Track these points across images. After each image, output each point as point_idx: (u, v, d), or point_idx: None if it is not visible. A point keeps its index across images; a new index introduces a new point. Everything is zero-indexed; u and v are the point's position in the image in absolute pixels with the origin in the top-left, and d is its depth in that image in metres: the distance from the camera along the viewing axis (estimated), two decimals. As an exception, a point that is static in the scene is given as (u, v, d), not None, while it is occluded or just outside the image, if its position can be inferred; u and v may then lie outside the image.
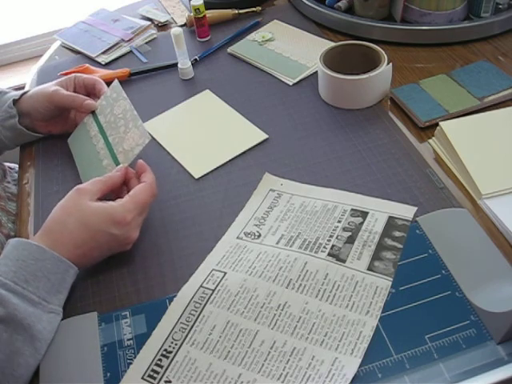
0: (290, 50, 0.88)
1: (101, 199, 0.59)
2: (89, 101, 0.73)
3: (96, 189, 0.59)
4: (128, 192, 0.60)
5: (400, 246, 0.57)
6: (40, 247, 0.54)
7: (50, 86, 0.75)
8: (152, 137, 0.76)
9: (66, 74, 0.89)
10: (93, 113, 0.74)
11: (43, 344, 0.51)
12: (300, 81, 0.83)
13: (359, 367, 0.48)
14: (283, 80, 0.83)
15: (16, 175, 0.84)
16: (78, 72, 0.88)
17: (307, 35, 0.91)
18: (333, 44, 0.80)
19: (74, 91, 0.76)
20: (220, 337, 0.51)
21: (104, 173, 0.65)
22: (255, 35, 0.93)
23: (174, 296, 0.55)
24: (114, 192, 0.62)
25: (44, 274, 0.53)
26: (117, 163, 0.66)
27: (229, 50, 0.91)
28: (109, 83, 0.86)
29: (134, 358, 0.51)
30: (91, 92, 0.77)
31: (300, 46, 0.89)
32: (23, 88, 0.94)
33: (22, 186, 0.75)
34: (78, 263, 0.56)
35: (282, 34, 0.93)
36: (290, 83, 0.82)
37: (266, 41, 0.90)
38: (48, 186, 0.72)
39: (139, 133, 0.66)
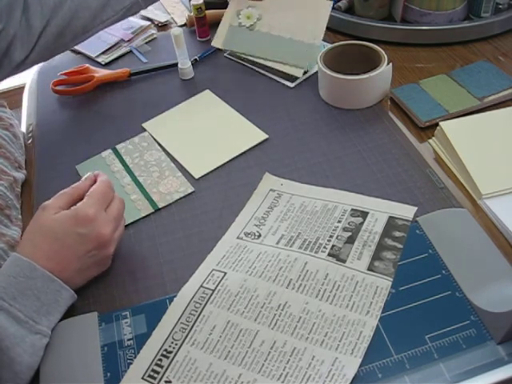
0: (287, 25, 0.77)
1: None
2: None
3: (62, 202, 0.57)
4: None
5: (400, 246, 0.57)
6: (31, 264, 0.52)
7: None
8: (152, 137, 0.77)
9: (67, 74, 0.89)
10: (114, 150, 0.74)
11: (24, 368, 0.49)
12: (300, 81, 0.83)
13: (359, 367, 0.48)
14: (292, 73, 0.82)
15: None
16: (78, 72, 0.89)
17: None
18: (333, 44, 0.80)
19: None
20: (220, 337, 0.51)
21: (133, 206, 0.66)
22: (240, 17, 0.83)
23: (174, 296, 0.55)
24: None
25: (33, 293, 0.51)
26: (150, 201, 0.67)
27: (225, 54, 0.90)
28: (109, 83, 0.87)
29: (134, 357, 0.51)
30: None
31: (294, 13, 0.78)
32: (23, 88, 0.94)
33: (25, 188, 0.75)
34: (64, 280, 0.53)
35: (268, 2, 0.82)
36: (300, 74, 0.82)
37: (255, 22, 0.80)
38: (48, 186, 0.72)
39: (179, 182, 0.68)
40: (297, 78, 0.82)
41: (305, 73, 0.84)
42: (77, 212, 0.55)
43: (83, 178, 0.61)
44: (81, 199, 0.58)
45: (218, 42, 0.87)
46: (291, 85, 0.82)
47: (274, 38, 0.81)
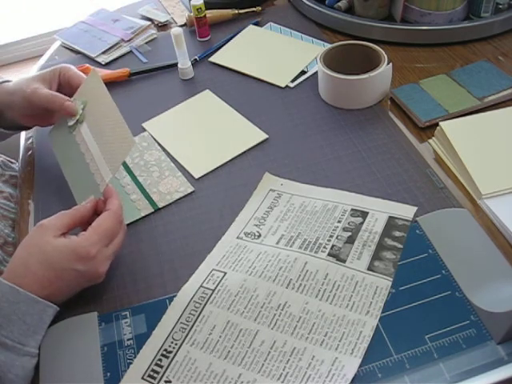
0: (95, 146, 0.63)
1: (66, 234, 0.54)
2: (69, 103, 0.67)
3: (61, 223, 0.54)
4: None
5: (400, 245, 0.57)
6: (13, 288, 0.50)
7: (31, 82, 0.69)
8: (152, 137, 0.77)
9: (66, 74, 0.89)
10: None
11: None
12: (300, 81, 0.83)
13: (359, 367, 0.48)
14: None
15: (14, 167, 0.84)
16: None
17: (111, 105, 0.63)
18: (333, 44, 0.80)
19: (59, 88, 0.71)
20: (220, 337, 0.51)
21: (133, 206, 0.66)
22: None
23: (174, 296, 0.55)
24: (84, 226, 0.56)
25: (19, 317, 0.49)
26: (150, 201, 0.67)
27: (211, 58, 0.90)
28: (109, 83, 0.87)
29: (134, 357, 0.51)
30: (75, 90, 0.70)
31: (106, 135, 0.63)
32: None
33: (23, 187, 0.75)
34: (49, 300, 0.52)
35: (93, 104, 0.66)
36: (283, 84, 0.82)
37: (76, 123, 0.67)
38: (47, 186, 0.72)
39: (179, 182, 0.68)
40: (283, 87, 0.82)
41: (304, 73, 0.84)
42: (78, 248, 0.52)
43: (84, 202, 0.58)
44: (82, 222, 0.56)
45: (52, 134, 0.72)
46: (291, 85, 0.82)
47: (79, 154, 0.65)
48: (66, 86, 0.71)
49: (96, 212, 0.58)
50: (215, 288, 0.55)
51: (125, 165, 0.72)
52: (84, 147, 0.65)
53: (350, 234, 0.59)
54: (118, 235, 0.56)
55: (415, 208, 0.61)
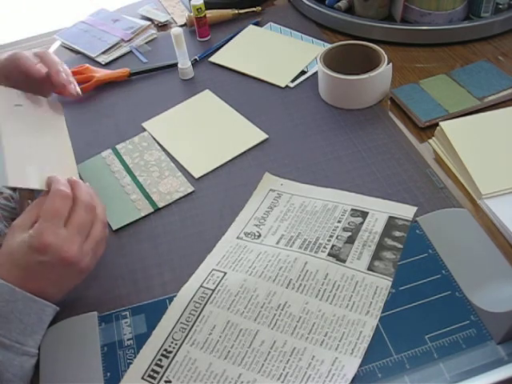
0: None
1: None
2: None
3: (29, 220, 0.52)
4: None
5: (400, 245, 0.57)
6: (10, 287, 0.49)
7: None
8: (152, 136, 0.77)
9: (66, 73, 0.89)
10: (114, 150, 0.74)
11: None
12: (300, 81, 0.83)
13: (359, 367, 0.48)
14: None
15: None
16: (78, 72, 0.89)
17: None
18: (333, 44, 0.80)
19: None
20: (220, 337, 0.51)
21: (133, 206, 0.66)
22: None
23: (174, 296, 0.55)
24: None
25: (16, 316, 0.49)
26: (150, 201, 0.67)
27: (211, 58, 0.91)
28: (109, 83, 0.87)
29: (134, 357, 0.51)
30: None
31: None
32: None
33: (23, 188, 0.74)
34: (44, 298, 0.52)
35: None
36: (284, 84, 0.82)
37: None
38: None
39: (179, 182, 0.68)
40: (283, 87, 0.83)
41: (304, 73, 0.84)
42: (31, 241, 0.50)
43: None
44: None
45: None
46: (291, 85, 0.82)
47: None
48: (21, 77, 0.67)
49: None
50: (215, 288, 0.55)
51: (125, 165, 0.72)
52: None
53: (350, 233, 0.59)
54: (75, 211, 0.53)
55: (415, 208, 0.61)
